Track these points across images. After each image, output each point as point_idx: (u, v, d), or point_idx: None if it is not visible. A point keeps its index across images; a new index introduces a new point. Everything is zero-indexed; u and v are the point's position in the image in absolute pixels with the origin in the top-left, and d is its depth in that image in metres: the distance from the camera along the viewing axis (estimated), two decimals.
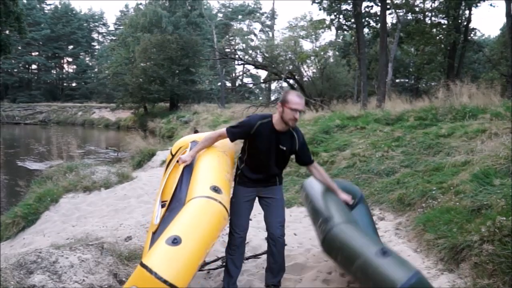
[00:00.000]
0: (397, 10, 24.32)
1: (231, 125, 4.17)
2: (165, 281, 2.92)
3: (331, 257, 3.77)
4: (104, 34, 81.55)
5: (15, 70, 68.49)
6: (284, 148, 3.95)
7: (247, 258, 5.05)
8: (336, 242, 3.52)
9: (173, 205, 3.81)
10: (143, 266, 3.00)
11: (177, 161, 4.28)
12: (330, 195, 4.21)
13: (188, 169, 4.14)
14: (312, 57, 30.55)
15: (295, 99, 3.78)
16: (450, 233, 4.63)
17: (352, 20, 25.17)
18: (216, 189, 3.61)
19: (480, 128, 8.19)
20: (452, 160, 6.90)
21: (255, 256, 5.12)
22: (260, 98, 54.24)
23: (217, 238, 3.59)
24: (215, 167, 4.01)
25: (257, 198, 4.19)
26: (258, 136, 3.91)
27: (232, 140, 4.11)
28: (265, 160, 3.98)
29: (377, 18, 24.88)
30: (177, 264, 3.04)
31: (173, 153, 4.66)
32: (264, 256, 4.55)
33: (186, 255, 3.12)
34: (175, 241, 3.09)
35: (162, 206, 3.95)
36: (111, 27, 79.97)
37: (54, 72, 75.35)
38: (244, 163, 4.09)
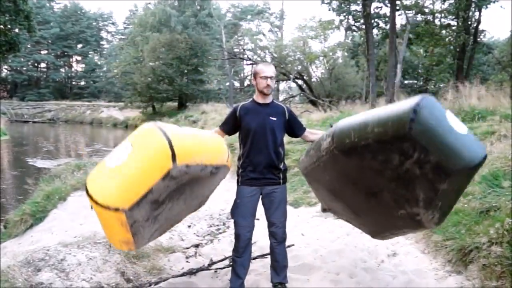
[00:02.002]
0: (406, 11, 24.22)
1: None
2: (164, 133, 2.96)
3: (344, 146, 3.28)
4: (113, 33, 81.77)
5: (24, 68, 68.75)
6: (275, 119, 4.01)
7: (254, 258, 5.05)
8: (345, 128, 3.30)
9: None
10: (151, 124, 3.04)
11: None
12: None
13: None
14: (321, 58, 30.55)
15: (262, 67, 4.00)
16: (458, 235, 4.62)
17: (361, 21, 25.12)
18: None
19: (489, 130, 8.15)
20: None
21: (262, 256, 5.12)
22: None
23: (214, 163, 3.59)
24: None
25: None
26: (246, 114, 4.04)
27: (226, 132, 4.21)
28: (261, 138, 3.98)
29: (386, 19, 24.78)
30: (181, 136, 3.10)
31: None
32: None
33: (189, 138, 3.26)
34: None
35: None
36: (120, 26, 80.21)
37: (63, 70, 75.62)
38: (243, 158, 4.10)
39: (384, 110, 3.04)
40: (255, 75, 4.03)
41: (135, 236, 3.13)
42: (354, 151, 3.20)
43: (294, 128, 4.20)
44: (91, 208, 2.97)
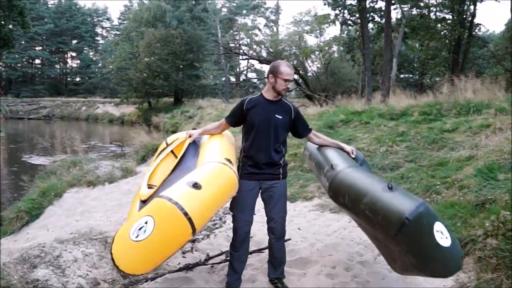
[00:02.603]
0: (401, 5, 24.23)
1: None
2: (185, 213, 2.97)
3: (338, 202, 3.75)
4: (108, 28, 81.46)
5: (19, 64, 68.41)
6: (281, 117, 3.97)
7: (251, 252, 5.05)
8: (343, 185, 3.58)
9: (165, 186, 3.81)
10: (163, 197, 3.04)
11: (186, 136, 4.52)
12: (333, 148, 4.31)
13: (191, 151, 4.37)
14: (317, 52, 30.57)
15: (287, 70, 3.92)
16: (454, 228, 4.63)
17: (357, 15, 25.12)
18: (229, 160, 3.79)
19: (484, 123, 8.18)
20: (456, 155, 6.91)
21: (259, 251, 5.12)
22: None
23: (225, 202, 3.68)
24: (225, 145, 4.20)
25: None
26: (253, 108, 3.99)
27: (232, 124, 4.22)
28: (264, 135, 3.96)
29: (382, 13, 24.79)
30: (197, 204, 3.12)
31: (169, 142, 4.77)
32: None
33: (206, 199, 3.22)
34: (196, 185, 3.20)
35: (149, 188, 4.00)
36: (115, 22, 79.90)
37: (58, 66, 75.29)
38: (244, 153, 4.09)
39: (382, 194, 3.13)
40: (276, 74, 3.91)
41: None
42: (347, 208, 3.57)
43: (299, 128, 4.17)
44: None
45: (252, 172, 4.01)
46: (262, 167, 3.99)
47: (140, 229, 3.04)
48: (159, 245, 3.02)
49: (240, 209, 4.03)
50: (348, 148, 4.34)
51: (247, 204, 4.03)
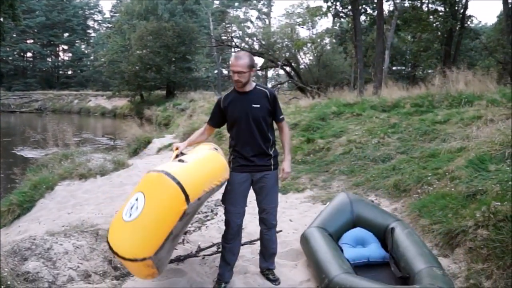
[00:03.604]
0: None
1: None
2: (173, 178, 2.97)
3: None
4: (100, 21, 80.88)
5: (10, 58, 67.85)
6: (258, 106, 3.92)
7: (243, 244, 5.05)
8: None
9: None
10: (149, 171, 3.01)
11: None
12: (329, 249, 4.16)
13: None
14: (309, 45, 30.54)
15: (232, 61, 3.88)
16: (445, 219, 4.65)
17: (349, 7, 25.06)
18: (216, 149, 3.93)
19: (476, 115, 8.20)
20: (447, 147, 6.92)
21: (251, 242, 5.14)
22: None
23: (218, 179, 3.67)
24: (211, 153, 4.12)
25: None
26: (230, 104, 3.97)
27: (214, 125, 4.17)
28: (246, 128, 3.92)
29: (374, 5, 24.74)
30: (185, 172, 3.14)
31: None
32: None
33: (193, 169, 3.29)
34: (181, 160, 3.30)
35: None
36: (107, 15, 79.30)
37: (50, 60, 74.81)
38: (232, 148, 4.07)
39: None
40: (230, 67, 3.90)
41: (159, 268, 3.25)
42: None
43: (276, 112, 4.07)
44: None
45: (243, 164, 4.00)
46: (252, 159, 3.97)
47: (132, 207, 2.99)
48: (154, 220, 2.95)
49: (232, 201, 4.02)
50: (285, 167, 4.20)
51: (239, 197, 4.02)
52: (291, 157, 4.30)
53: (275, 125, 4.21)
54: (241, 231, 4.20)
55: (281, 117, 4.12)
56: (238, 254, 4.25)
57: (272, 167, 4.08)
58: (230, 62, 3.93)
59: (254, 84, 4.02)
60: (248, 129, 3.93)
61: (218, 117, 4.10)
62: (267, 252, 4.27)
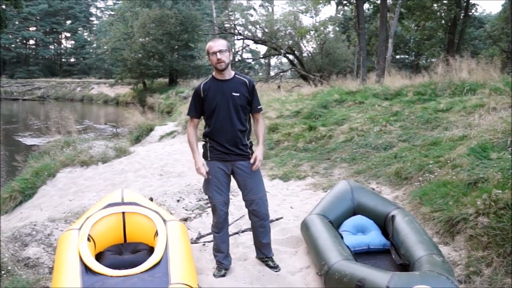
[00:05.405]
0: None
1: None
2: None
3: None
4: (103, 9, 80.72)
5: (13, 45, 67.81)
6: (238, 94, 3.88)
7: (243, 231, 5.08)
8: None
9: None
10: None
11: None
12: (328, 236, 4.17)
13: None
14: (312, 32, 30.32)
15: (210, 44, 3.85)
16: (446, 206, 4.64)
17: None
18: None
19: (478, 103, 8.17)
20: (449, 135, 6.90)
21: (238, 233, 5.13)
22: (260, 73, 53.90)
23: None
24: None
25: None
26: (209, 92, 3.90)
27: (195, 116, 4.03)
28: (225, 116, 3.88)
29: None
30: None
31: None
32: None
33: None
34: None
35: None
36: (110, 2, 79.14)
37: (52, 47, 74.78)
38: (209, 136, 3.99)
39: None
40: (207, 53, 3.86)
41: None
42: None
43: (253, 102, 4.01)
44: None
45: (221, 152, 3.95)
46: (230, 148, 3.93)
47: None
48: None
49: (215, 190, 3.99)
50: (257, 155, 3.97)
51: (221, 184, 4.00)
52: (264, 148, 4.16)
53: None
54: (228, 218, 4.19)
55: (258, 107, 4.06)
56: (229, 241, 4.26)
57: (251, 156, 4.01)
58: (207, 48, 3.85)
59: (233, 72, 3.98)
60: (228, 117, 3.89)
61: (199, 107, 3.99)
62: (262, 244, 4.24)
